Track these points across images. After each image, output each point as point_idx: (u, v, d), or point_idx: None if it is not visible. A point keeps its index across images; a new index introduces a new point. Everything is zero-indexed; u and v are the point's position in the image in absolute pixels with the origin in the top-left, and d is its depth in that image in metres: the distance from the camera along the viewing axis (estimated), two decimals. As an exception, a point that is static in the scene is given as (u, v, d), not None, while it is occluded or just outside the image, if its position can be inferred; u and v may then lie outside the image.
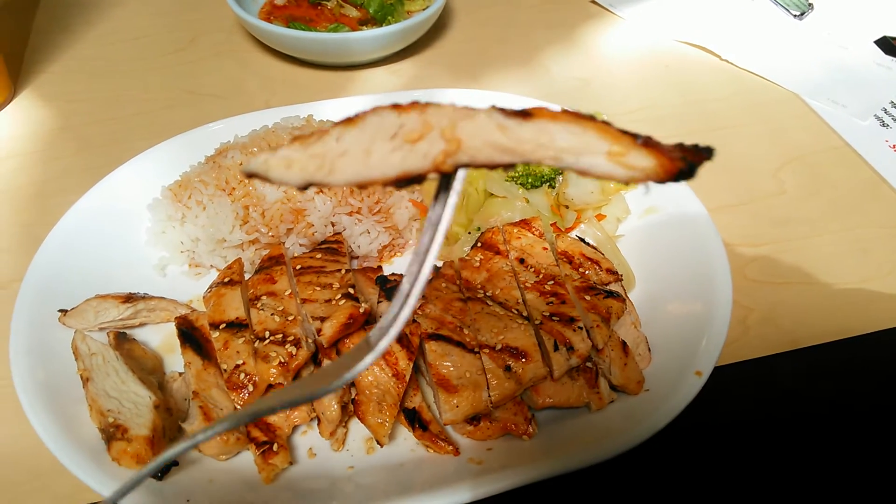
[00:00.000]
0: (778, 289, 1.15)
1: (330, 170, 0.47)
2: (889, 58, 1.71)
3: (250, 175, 0.47)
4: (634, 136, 0.46)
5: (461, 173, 0.50)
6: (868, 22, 1.82)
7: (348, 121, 0.47)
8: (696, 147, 0.47)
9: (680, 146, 0.47)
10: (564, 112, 0.47)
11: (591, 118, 0.47)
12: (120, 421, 0.83)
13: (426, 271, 0.54)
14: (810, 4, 1.87)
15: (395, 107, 0.47)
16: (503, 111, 0.47)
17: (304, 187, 0.47)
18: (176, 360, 0.98)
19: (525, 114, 0.47)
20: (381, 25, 1.62)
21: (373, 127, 0.47)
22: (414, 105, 0.48)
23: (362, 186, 0.47)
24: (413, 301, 0.54)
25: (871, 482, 0.91)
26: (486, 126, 0.47)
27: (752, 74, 1.64)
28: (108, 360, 0.90)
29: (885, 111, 1.55)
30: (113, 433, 0.82)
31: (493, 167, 0.48)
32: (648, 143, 0.46)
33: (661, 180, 0.46)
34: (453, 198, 0.52)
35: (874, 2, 1.90)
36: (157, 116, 1.47)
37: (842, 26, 1.80)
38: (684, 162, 0.45)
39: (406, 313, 0.55)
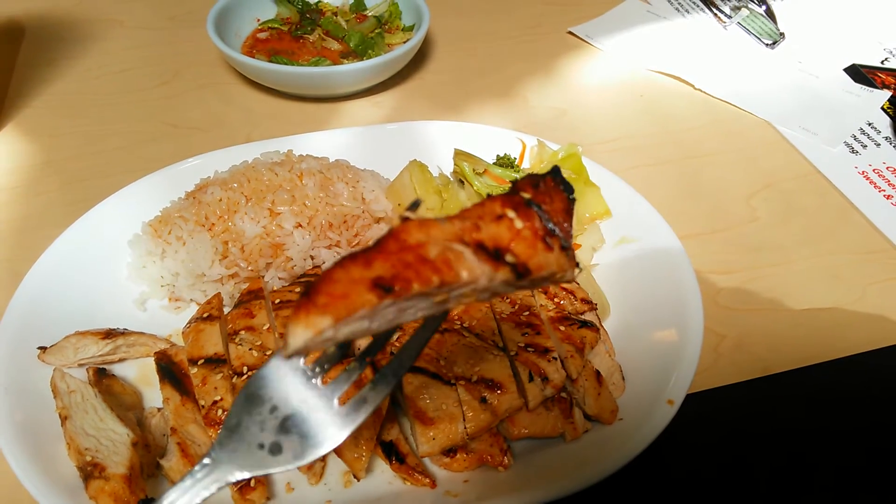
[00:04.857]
0: (750, 315, 1.17)
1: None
2: (858, 85, 1.75)
3: None
4: None
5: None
6: (838, 51, 1.87)
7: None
8: None
9: None
10: None
11: None
12: (98, 459, 0.83)
13: None
14: (782, 34, 1.92)
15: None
16: None
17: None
18: (156, 393, 0.99)
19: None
20: (363, 58, 1.65)
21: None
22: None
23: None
24: None
25: (842, 507, 0.93)
26: None
27: (725, 103, 1.68)
28: (87, 398, 0.90)
29: (855, 138, 1.59)
30: (90, 472, 0.83)
31: None
32: None
33: None
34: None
35: (844, 31, 1.96)
36: (140, 150, 1.48)
37: (812, 55, 1.85)
38: None
39: None
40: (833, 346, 1.12)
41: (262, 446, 0.70)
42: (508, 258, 0.59)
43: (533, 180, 0.66)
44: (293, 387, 0.72)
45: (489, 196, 0.65)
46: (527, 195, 0.64)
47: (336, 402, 0.72)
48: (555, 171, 0.68)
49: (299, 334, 0.51)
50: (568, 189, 0.68)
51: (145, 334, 1.05)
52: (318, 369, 0.73)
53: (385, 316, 0.55)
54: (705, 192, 1.42)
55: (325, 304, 0.51)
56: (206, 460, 0.70)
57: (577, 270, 0.65)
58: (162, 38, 1.85)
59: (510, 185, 0.74)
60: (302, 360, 0.73)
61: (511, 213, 0.61)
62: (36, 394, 0.94)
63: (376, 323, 0.55)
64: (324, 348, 0.57)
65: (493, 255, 0.59)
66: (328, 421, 0.71)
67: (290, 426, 0.70)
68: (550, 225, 0.62)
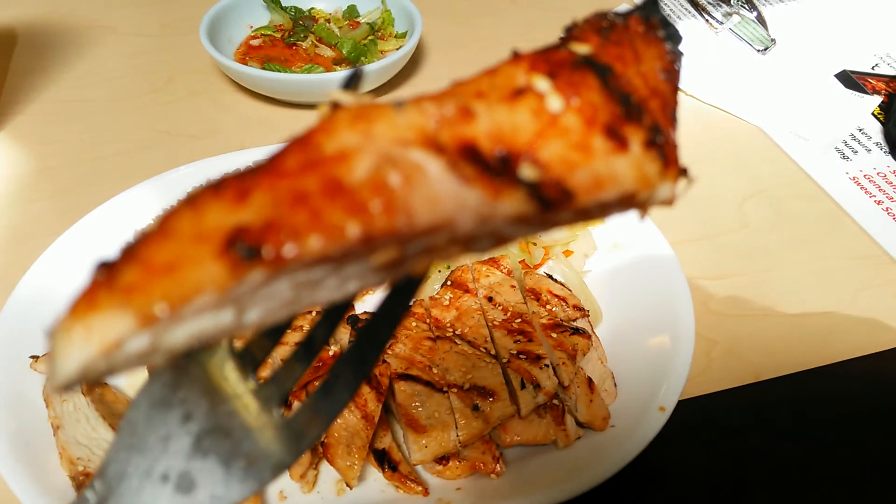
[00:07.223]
0: (742, 321, 1.17)
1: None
2: (849, 91, 1.77)
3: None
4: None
5: None
6: (829, 56, 1.88)
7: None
8: None
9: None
10: None
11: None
12: (90, 469, 0.83)
13: None
14: (773, 40, 1.93)
15: None
16: None
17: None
18: (148, 403, 0.99)
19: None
20: (356, 65, 1.65)
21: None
22: None
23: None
24: None
25: (833, 512, 0.93)
26: None
27: (717, 109, 1.69)
28: (79, 407, 0.90)
29: (846, 143, 1.60)
30: (83, 481, 0.83)
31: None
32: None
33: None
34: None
35: (834, 37, 1.97)
36: (133, 157, 1.48)
37: (803, 61, 1.87)
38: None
39: None
40: (825, 351, 1.13)
41: (165, 478, 0.44)
42: (525, 172, 0.31)
43: (600, 22, 0.38)
44: (217, 384, 0.47)
45: (514, 53, 0.36)
46: (584, 48, 0.36)
47: (277, 410, 0.47)
48: (649, 5, 0.40)
49: (74, 348, 0.28)
50: (672, 35, 0.40)
51: (138, 343, 1.04)
52: (252, 358, 0.48)
53: (271, 298, 0.31)
54: (696, 198, 1.42)
55: (130, 287, 0.28)
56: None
57: (683, 181, 0.37)
58: (155, 45, 1.85)
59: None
60: (228, 344, 0.45)
61: (542, 83, 0.33)
62: (28, 403, 0.93)
63: (255, 312, 0.31)
64: (145, 366, 0.30)
65: (495, 166, 0.31)
66: (266, 439, 0.46)
67: (208, 446, 0.45)
68: (628, 99, 0.34)
